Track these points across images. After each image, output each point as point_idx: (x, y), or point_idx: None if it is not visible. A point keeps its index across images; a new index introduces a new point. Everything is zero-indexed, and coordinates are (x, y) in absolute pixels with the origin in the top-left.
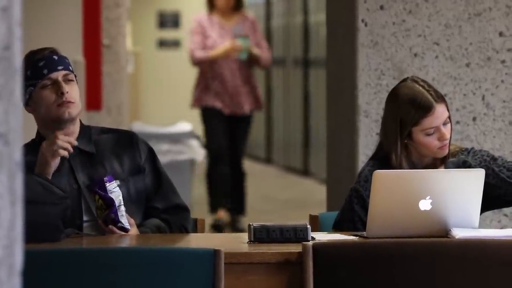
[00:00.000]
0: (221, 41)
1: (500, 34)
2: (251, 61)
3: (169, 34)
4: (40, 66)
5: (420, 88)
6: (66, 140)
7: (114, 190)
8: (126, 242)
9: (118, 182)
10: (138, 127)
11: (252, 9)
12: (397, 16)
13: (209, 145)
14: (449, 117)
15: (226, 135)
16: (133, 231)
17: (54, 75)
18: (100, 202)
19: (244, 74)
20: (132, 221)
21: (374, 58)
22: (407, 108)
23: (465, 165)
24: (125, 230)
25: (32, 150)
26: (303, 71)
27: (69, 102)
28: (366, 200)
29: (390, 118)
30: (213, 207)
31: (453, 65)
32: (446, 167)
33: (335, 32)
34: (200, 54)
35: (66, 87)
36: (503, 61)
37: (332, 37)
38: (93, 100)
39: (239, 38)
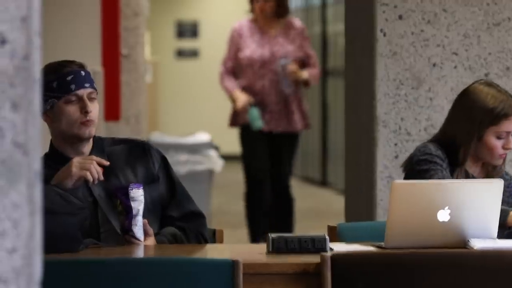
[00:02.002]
0: (260, 51)
1: None
2: (301, 84)
3: (187, 43)
4: (68, 81)
5: (503, 92)
6: (98, 170)
7: (137, 198)
8: (145, 252)
9: (142, 192)
10: (156, 137)
11: None
12: (415, 26)
13: (247, 169)
14: None
15: (267, 157)
16: (150, 241)
17: (80, 92)
18: (120, 207)
19: (292, 84)
20: (151, 231)
21: (392, 68)
22: (491, 109)
23: None
24: (137, 240)
25: (46, 163)
26: (321, 81)
27: (91, 121)
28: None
29: (468, 114)
30: (253, 238)
31: (472, 75)
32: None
33: (354, 42)
34: (227, 83)
35: (90, 106)
36: None
37: (350, 47)
38: (112, 110)
39: (250, 109)
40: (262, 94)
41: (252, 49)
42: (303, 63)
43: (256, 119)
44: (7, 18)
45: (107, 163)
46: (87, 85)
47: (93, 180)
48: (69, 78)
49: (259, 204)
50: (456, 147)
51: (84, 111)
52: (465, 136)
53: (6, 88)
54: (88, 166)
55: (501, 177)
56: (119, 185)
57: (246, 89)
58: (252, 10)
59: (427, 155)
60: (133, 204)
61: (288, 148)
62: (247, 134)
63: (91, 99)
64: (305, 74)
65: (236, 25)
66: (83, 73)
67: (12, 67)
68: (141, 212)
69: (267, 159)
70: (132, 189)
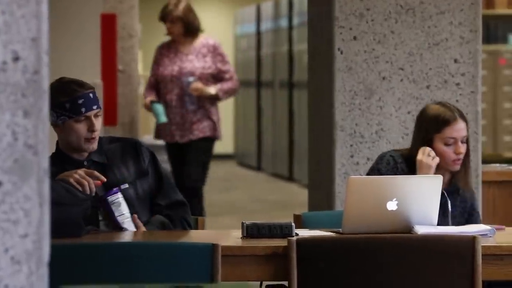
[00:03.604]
0: (170, 67)
1: (455, 60)
2: (208, 98)
3: None
4: (79, 104)
5: (448, 106)
6: (92, 188)
7: (116, 201)
8: (137, 237)
9: (120, 195)
10: (148, 139)
11: (244, 40)
12: (368, 45)
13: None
14: (467, 140)
15: (180, 166)
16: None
17: (89, 113)
18: (104, 214)
19: (195, 101)
20: (140, 224)
21: (348, 81)
22: (434, 118)
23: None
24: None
25: (53, 162)
26: (288, 92)
27: (95, 138)
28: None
29: (418, 127)
30: None
31: (416, 87)
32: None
33: (315, 59)
34: (145, 95)
35: (96, 124)
36: (457, 84)
37: (312, 63)
38: (110, 117)
39: (154, 104)
40: (170, 107)
41: (164, 66)
42: (218, 78)
43: (160, 114)
44: (20, 39)
45: (104, 179)
46: (94, 106)
47: (91, 193)
48: (80, 101)
49: None
50: (414, 154)
51: (91, 129)
52: (417, 146)
53: (19, 98)
54: (83, 183)
55: (471, 192)
56: (99, 197)
57: (162, 102)
58: None
59: (374, 171)
60: (113, 207)
61: (192, 156)
62: (168, 149)
63: (96, 116)
64: (211, 89)
65: (160, 44)
66: (91, 95)
67: (24, 80)
68: (123, 211)
69: (181, 170)
70: (108, 197)
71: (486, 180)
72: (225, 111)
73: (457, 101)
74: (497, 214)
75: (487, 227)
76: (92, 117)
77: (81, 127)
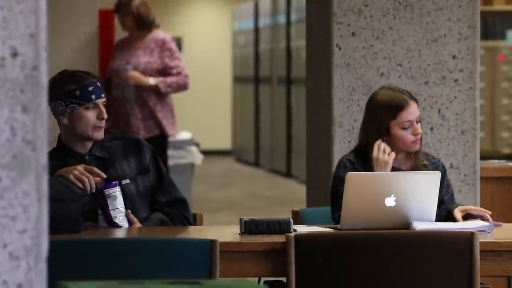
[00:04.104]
0: (118, 62)
1: (453, 57)
2: (147, 90)
3: None
4: (89, 91)
5: (396, 90)
6: (92, 184)
7: (112, 194)
8: (136, 233)
9: (118, 189)
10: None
11: (242, 35)
12: (366, 42)
13: None
14: (420, 118)
15: None
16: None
17: (98, 101)
18: (99, 205)
19: (140, 98)
20: (135, 219)
21: (346, 77)
22: (386, 106)
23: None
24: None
25: (54, 156)
26: (286, 88)
27: (103, 127)
28: None
29: (370, 116)
30: None
31: (414, 83)
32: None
33: (314, 55)
34: None
35: (105, 113)
36: (456, 80)
37: (310, 59)
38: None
39: None
40: (117, 102)
41: (114, 60)
42: (165, 73)
43: None
44: (18, 35)
45: (104, 176)
46: (103, 95)
47: (86, 189)
48: (90, 88)
49: None
50: (368, 148)
51: (101, 117)
52: (374, 137)
53: (17, 94)
54: (83, 180)
55: (431, 163)
56: (98, 189)
57: (112, 98)
58: None
59: (336, 179)
60: (109, 201)
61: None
62: None
63: (103, 105)
64: (151, 80)
65: (119, 39)
66: (98, 84)
67: (23, 76)
68: (118, 205)
69: None
70: (106, 189)
71: (484, 176)
72: (223, 107)
73: (455, 97)
74: (495, 210)
75: (485, 223)
76: (101, 105)
77: (91, 115)
